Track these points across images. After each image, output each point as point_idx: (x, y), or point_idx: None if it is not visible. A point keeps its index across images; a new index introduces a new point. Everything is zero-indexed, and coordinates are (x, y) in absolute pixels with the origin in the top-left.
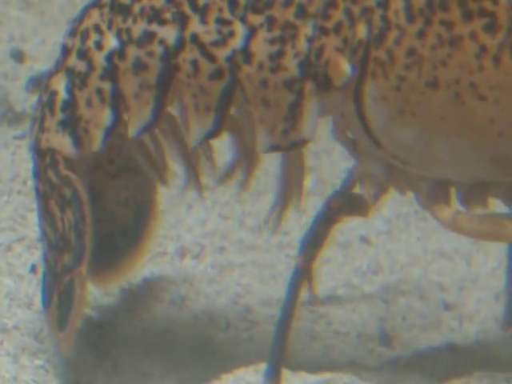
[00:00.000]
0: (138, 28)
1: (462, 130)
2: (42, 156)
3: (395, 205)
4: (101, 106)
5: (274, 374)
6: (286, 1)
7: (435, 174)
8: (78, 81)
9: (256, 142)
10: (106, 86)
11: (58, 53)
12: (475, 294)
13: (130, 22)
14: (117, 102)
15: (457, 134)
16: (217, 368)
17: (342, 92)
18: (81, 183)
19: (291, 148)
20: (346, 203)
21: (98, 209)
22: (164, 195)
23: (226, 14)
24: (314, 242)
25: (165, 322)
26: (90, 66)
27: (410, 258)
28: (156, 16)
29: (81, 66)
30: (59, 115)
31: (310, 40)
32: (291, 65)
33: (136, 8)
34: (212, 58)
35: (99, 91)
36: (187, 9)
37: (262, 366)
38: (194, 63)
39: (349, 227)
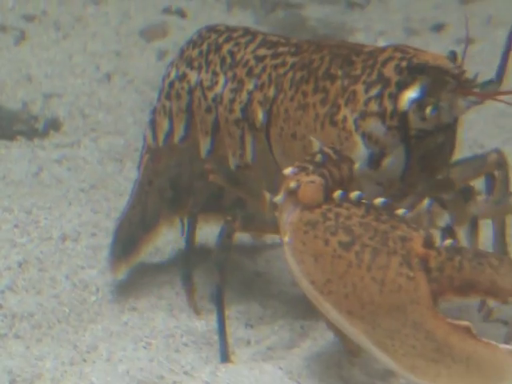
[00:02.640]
0: (181, 69)
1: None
2: None
3: None
4: (164, 117)
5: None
6: (244, 62)
7: None
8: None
9: (228, 161)
10: (167, 104)
11: None
12: None
13: (183, 64)
14: (171, 117)
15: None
16: None
17: (261, 132)
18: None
19: (247, 168)
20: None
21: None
22: (50, 195)
23: (217, 68)
24: (222, 248)
25: None
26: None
27: None
28: (189, 62)
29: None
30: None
31: (249, 93)
32: (237, 109)
33: (185, 53)
34: (206, 98)
35: (163, 108)
36: (203, 61)
37: None
38: (199, 99)
39: None
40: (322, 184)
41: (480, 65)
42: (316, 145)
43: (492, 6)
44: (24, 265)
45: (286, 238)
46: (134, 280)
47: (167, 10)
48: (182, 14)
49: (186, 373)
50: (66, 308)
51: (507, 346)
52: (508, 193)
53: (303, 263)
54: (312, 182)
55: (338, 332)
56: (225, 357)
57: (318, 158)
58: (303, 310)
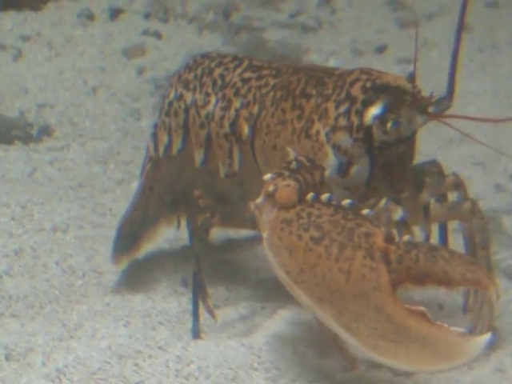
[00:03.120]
0: (178, 90)
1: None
2: None
3: None
4: (164, 132)
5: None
6: (232, 84)
7: None
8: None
9: (218, 171)
10: (167, 120)
11: None
12: None
13: (181, 86)
14: (170, 132)
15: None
16: None
17: (247, 144)
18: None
19: (234, 175)
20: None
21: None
22: (42, 192)
23: (210, 90)
24: (200, 240)
25: None
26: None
27: None
28: (186, 84)
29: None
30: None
31: (237, 110)
32: (226, 124)
33: (182, 77)
34: (199, 115)
35: (164, 123)
36: (197, 83)
37: None
38: (194, 116)
39: None
40: (297, 187)
41: (418, 81)
42: (292, 154)
43: (427, 31)
44: (20, 253)
45: (265, 235)
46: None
47: (146, 32)
48: (158, 35)
49: (160, 348)
50: (56, 291)
51: (458, 329)
52: (463, 200)
53: (279, 256)
54: (288, 185)
55: (337, 345)
56: (196, 334)
57: (293, 165)
58: (264, 294)
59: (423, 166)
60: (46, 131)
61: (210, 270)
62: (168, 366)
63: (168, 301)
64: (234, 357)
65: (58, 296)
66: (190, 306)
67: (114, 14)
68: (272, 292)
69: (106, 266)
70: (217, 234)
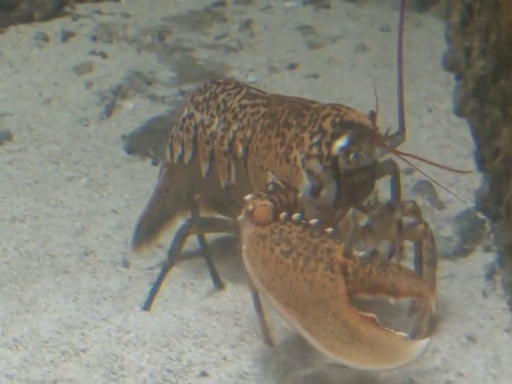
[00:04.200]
0: (190, 109)
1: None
2: None
3: None
4: (178, 143)
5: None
6: (232, 109)
7: None
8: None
9: (220, 181)
10: (181, 134)
11: None
12: None
13: (192, 106)
14: (183, 144)
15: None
16: None
17: (241, 162)
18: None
19: (231, 187)
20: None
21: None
22: (3, 188)
23: (214, 112)
24: (176, 242)
25: None
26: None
27: None
28: (196, 105)
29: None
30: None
31: (234, 132)
32: (226, 144)
33: (194, 98)
34: (205, 133)
35: (178, 136)
36: (205, 105)
37: None
38: (201, 134)
39: None
40: (272, 207)
41: (323, 93)
42: (270, 177)
43: (331, 51)
44: None
45: (244, 247)
46: (67, 251)
47: (93, 52)
48: (103, 55)
49: (103, 319)
50: (14, 272)
51: (401, 334)
52: (417, 223)
53: (255, 266)
54: (264, 205)
55: (262, 323)
56: (147, 306)
57: (270, 187)
58: (193, 273)
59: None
60: (6, 136)
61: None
62: (110, 335)
63: (111, 279)
64: (167, 326)
65: (16, 276)
66: (130, 283)
67: (66, 36)
68: (199, 271)
69: (58, 250)
70: None
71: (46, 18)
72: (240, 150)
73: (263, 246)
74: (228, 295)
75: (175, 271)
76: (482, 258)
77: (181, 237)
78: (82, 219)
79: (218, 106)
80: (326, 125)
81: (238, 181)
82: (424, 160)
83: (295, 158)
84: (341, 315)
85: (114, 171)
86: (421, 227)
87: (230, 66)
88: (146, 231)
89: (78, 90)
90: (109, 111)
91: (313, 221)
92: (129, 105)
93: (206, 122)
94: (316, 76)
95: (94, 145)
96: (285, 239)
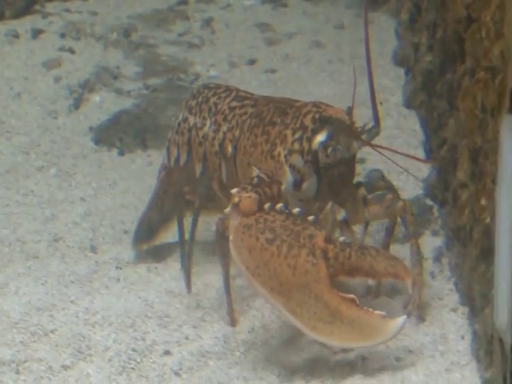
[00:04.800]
0: (184, 113)
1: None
2: None
3: None
4: (174, 147)
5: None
6: (222, 111)
7: None
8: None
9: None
10: (176, 138)
11: None
12: None
13: (186, 110)
14: (179, 147)
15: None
16: None
17: (231, 160)
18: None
19: (222, 184)
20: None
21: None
22: None
23: (206, 115)
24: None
25: None
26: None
27: None
28: (190, 109)
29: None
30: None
31: (224, 133)
32: (216, 144)
33: (188, 103)
34: (198, 135)
35: (174, 140)
36: (198, 109)
37: None
38: (194, 136)
39: None
40: (257, 199)
41: (280, 87)
42: (255, 172)
43: (288, 47)
44: None
45: (231, 237)
46: (37, 237)
47: (62, 48)
48: (72, 51)
49: (71, 302)
50: None
51: (379, 312)
52: (395, 200)
53: (241, 254)
54: (249, 197)
55: (228, 305)
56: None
57: (255, 180)
58: (156, 257)
59: (371, 178)
60: None
61: (111, 239)
62: (78, 316)
63: (79, 264)
64: (132, 308)
65: None
66: (97, 268)
67: (36, 33)
68: (163, 256)
69: (28, 236)
70: None
71: (17, 15)
72: (229, 149)
73: (249, 235)
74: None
75: (139, 257)
76: (430, 242)
77: (196, 216)
78: (52, 207)
79: (210, 109)
80: (307, 121)
81: (228, 179)
82: (395, 151)
83: (279, 154)
84: (322, 297)
85: (82, 161)
86: (400, 203)
87: (192, 62)
88: (146, 231)
89: (47, 84)
90: (77, 104)
91: (295, 210)
92: (96, 98)
93: (199, 125)
94: (274, 71)
95: (62, 136)
96: (269, 228)
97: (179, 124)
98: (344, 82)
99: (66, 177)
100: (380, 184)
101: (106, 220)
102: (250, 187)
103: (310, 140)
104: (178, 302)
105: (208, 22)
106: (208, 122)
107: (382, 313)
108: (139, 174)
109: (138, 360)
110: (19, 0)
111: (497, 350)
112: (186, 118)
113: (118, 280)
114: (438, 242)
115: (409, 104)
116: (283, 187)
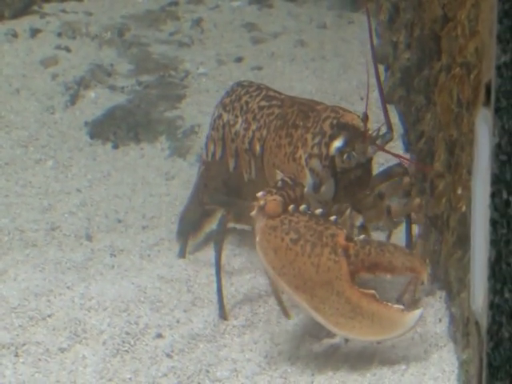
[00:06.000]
0: (219, 111)
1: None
2: None
3: None
4: (211, 142)
5: None
6: (252, 110)
7: None
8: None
9: (243, 176)
10: (213, 133)
11: None
12: None
13: (221, 108)
14: (215, 142)
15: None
16: None
17: (259, 159)
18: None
19: (252, 181)
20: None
21: None
22: None
23: (238, 113)
24: (219, 232)
25: None
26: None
27: None
28: (224, 106)
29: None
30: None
31: (253, 132)
32: (246, 142)
33: (223, 100)
34: (230, 132)
35: (211, 135)
36: (231, 106)
37: None
38: (227, 133)
39: None
40: (281, 201)
41: (266, 83)
42: (278, 175)
43: (273, 46)
44: None
45: (257, 239)
46: (35, 226)
47: (58, 47)
48: (68, 49)
49: (68, 287)
50: None
51: (398, 306)
52: (412, 197)
53: (267, 255)
54: (274, 200)
55: (277, 297)
56: (222, 312)
57: (279, 184)
58: (150, 245)
59: (390, 169)
60: None
61: (105, 228)
62: (74, 301)
63: (75, 251)
64: (126, 293)
65: None
66: (92, 255)
67: (34, 33)
68: (156, 243)
69: (27, 225)
70: None
71: (15, 16)
72: (258, 148)
73: (274, 236)
74: (181, 265)
75: (134, 244)
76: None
77: (222, 226)
78: (49, 197)
79: (241, 107)
80: (326, 126)
81: (257, 176)
82: (403, 158)
83: (300, 157)
84: (344, 293)
85: (78, 154)
86: (417, 200)
87: (182, 60)
88: (190, 225)
89: (44, 81)
90: (73, 100)
91: (317, 211)
92: (91, 94)
93: (232, 122)
94: (260, 68)
95: (59, 130)
96: (293, 228)
97: (215, 120)
98: (326, 79)
99: (63, 169)
100: (397, 170)
101: (101, 210)
102: (274, 190)
103: (327, 145)
104: (169, 288)
105: (197, 22)
106: (239, 120)
107: (401, 306)
108: (132, 166)
109: (132, 343)
110: (18, 1)
111: (473, 332)
112: (220, 114)
113: (113, 267)
114: (416, 229)
115: (388, 99)
116: (305, 190)
